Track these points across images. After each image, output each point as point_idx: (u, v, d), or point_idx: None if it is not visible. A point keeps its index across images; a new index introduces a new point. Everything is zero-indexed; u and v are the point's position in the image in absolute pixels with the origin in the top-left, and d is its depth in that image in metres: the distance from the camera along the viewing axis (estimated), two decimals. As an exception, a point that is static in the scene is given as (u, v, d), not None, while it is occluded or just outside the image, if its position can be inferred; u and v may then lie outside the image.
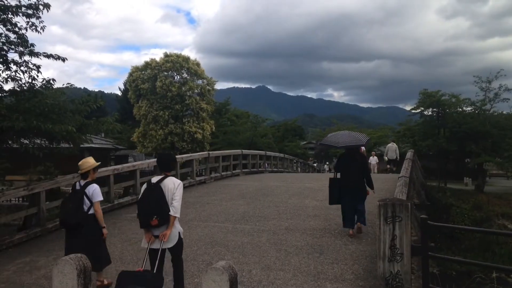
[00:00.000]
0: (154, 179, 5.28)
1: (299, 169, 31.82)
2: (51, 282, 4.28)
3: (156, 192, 5.12)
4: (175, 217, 5.10)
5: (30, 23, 9.99)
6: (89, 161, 6.13)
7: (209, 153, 18.42)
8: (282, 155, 28.73)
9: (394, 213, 5.17)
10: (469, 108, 32.66)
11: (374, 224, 8.30)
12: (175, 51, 41.04)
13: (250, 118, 47.60)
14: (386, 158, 24.53)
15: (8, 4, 9.62)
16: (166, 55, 37.17)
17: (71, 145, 10.73)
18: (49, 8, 10.02)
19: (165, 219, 5.04)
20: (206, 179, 16.71)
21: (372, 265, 6.16)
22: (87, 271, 4.27)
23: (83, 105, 10.61)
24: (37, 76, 10.27)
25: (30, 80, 10.24)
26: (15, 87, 10.27)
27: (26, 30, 10.04)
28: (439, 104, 31.95)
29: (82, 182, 5.99)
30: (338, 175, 8.35)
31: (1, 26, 9.76)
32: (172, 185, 5.18)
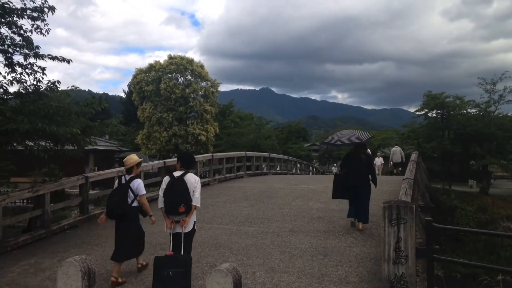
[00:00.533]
0: (177, 173, 6.03)
1: (302, 171, 31.77)
2: (55, 284, 4.30)
3: (181, 184, 5.88)
4: (196, 206, 5.92)
5: (35, 25, 10.03)
6: (133, 158, 6.69)
7: (213, 155, 18.42)
8: (286, 157, 28.71)
9: (399, 215, 5.16)
10: (473, 110, 32.50)
11: (378, 226, 8.29)
12: (180, 53, 41.03)
13: (254, 120, 47.60)
14: (391, 162, 24.84)
15: (14, 7, 9.67)
16: (170, 57, 37.25)
17: (76, 147, 10.77)
18: (54, 11, 10.06)
19: (189, 208, 5.84)
20: (210, 181, 16.71)
21: (377, 267, 6.14)
22: (91, 272, 4.28)
23: (88, 107, 10.65)
24: (42, 78, 10.31)
25: (35, 82, 10.28)
26: (20, 89, 10.31)
27: (31, 32, 10.09)
28: (443, 106, 31.80)
29: (127, 177, 6.53)
30: (341, 172, 8.85)
31: (7, 29, 9.81)
32: (193, 180, 6.00)
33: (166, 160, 14.81)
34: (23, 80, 10.22)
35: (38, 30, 10.11)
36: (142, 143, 36.70)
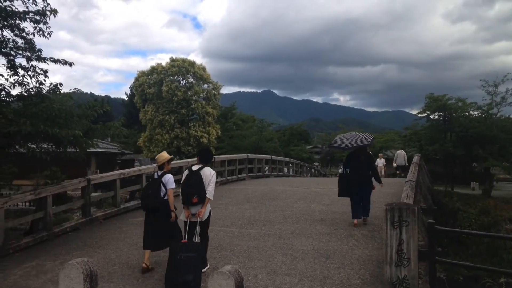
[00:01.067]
0: (195, 167, 6.59)
1: (304, 173, 31.76)
2: (57, 286, 4.30)
3: (197, 177, 6.45)
4: (210, 199, 6.45)
5: (37, 28, 10.06)
6: (164, 155, 7.10)
7: (214, 158, 18.42)
8: (288, 159, 28.70)
9: (401, 217, 5.15)
10: (475, 112, 32.47)
11: (381, 228, 8.28)
12: (182, 56, 41.18)
13: (256, 123, 47.61)
14: (395, 164, 25.04)
15: (16, 10, 9.70)
16: (172, 60, 37.32)
17: (78, 150, 10.78)
18: (56, 14, 10.09)
19: (202, 199, 6.37)
20: (212, 183, 16.70)
21: (379, 270, 6.13)
22: (93, 275, 4.28)
23: (90, 110, 10.66)
24: (45, 81, 10.34)
25: (37, 85, 10.30)
26: (23, 92, 10.34)
27: (34, 35, 10.12)
28: (445, 108, 31.77)
29: (160, 173, 6.97)
30: (347, 171, 9.28)
31: (9, 31, 9.84)
32: (209, 173, 6.55)
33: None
34: (25, 83, 10.24)
35: (41, 32, 10.14)
36: (144, 145, 36.75)
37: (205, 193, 6.41)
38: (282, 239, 8.06)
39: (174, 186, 6.92)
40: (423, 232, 7.20)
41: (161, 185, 6.82)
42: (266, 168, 23.85)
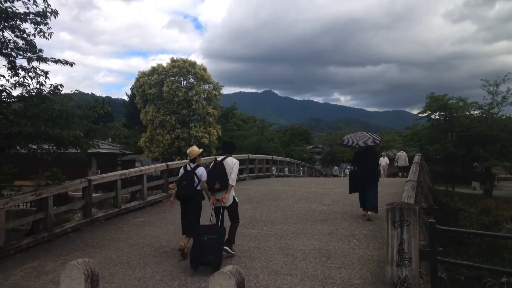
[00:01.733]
0: (219, 158, 7.42)
1: (305, 173, 31.75)
2: (58, 287, 4.29)
3: (220, 167, 7.19)
4: (232, 185, 7.10)
5: (38, 29, 10.07)
6: (195, 149, 7.75)
7: (215, 158, 18.42)
8: (288, 159, 28.69)
9: (402, 217, 5.14)
10: (476, 112, 32.47)
11: (382, 228, 8.27)
12: (183, 57, 41.16)
13: (257, 123, 47.64)
14: (396, 165, 25.33)
15: (17, 11, 9.71)
16: (172, 60, 37.32)
17: (78, 150, 10.78)
18: (57, 15, 10.10)
19: (225, 186, 7.04)
20: (212, 183, 16.68)
21: (380, 269, 6.12)
22: (94, 275, 4.27)
23: (91, 111, 10.67)
24: (45, 82, 10.35)
25: (38, 86, 10.31)
26: (23, 93, 10.35)
27: (35, 36, 10.13)
28: (446, 108, 31.77)
29: (192, 165, 7.57)
30: (355, 169, 10.07)
31: (10, 32, 9.85)
32: (231, 162, 7.25)
33: (169, 163, 14.80)
34: (26, 84, 10.26)
35: (41, 33, 10.15)
36: (145, 146, 36.75)
37: (228, 180, 7.07)
38: (283, 239, 8.06)
39: (205, 178, 7.34)
40: (424, 232, 7.19)
41: (195, 177, 7.39)
42: (274, 168, 24.01)
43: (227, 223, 7.23)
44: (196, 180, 7.39)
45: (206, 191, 7.39)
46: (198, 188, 7.38)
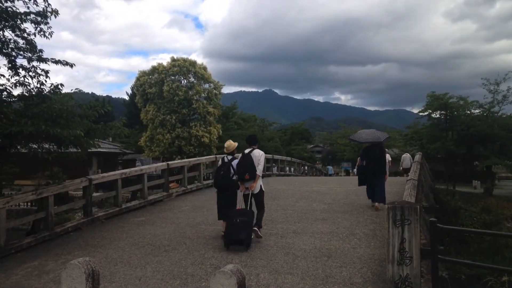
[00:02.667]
0: (247, 151, 8.13)
1: (306, 172, 31.74)
2: (59, 286, 4.30)
3: (248, 158, 7.97)
4: (259, 175, 7.94)
5: (38, 29, 10.07)
6: (232, 143, 8.61)
7: (216, 157, 18.40)
8: (289, 158, 28.67)
9: (403, 216, 5.13)
10: (477, 111, 32.47)
11: (382, 227, 8.27)
12: (183, 56, 41.04)
13: (257, 122, 47.64)
14: (401, 168, 25.30)
15: (17, 11, 9.71)
16: (173, 60, 37.28)
17: (79, 150, 10.78)
18: (57, 15, 10.09)
19: (253, 176, 7.87)
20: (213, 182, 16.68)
21: (381, 268, 6.12)
22: (95, 274, 4.27)
23: (91, 110, 10.67)
24: (46, 81, 10.35)
25: (38, 85, 10.31)
26: (24, 92, 10.35)
27: (35, 35, 10.12)
28: (446, 107, 31.76)
29: (229, 157, 8.40)
30: (363, 163, 10.88)
31: (10, 32, 9.85)
32: (258, 154, 8.04)
33: (169, 162, 14.81)
34: (26, 83, 10.26)
35: (42, 33, 10.14)
36: (145, 145, 36.72)
37: (255, 170, 7.89)
38: (283, 238, 8.06)
39: None
40: (425, 231, 7.19)
41: (231, 168, 8.17)
42: (275, 167, 23.95)
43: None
44: (232, 171, 8.18)
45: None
46: (234, 178, 8.15)
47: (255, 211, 7.97)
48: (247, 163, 7.93)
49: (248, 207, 7.91)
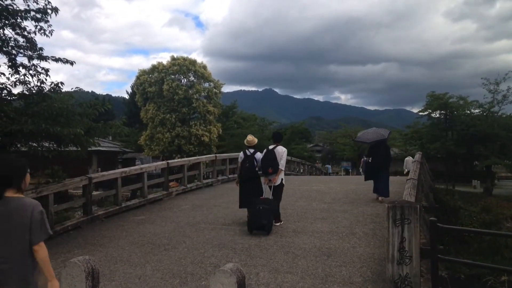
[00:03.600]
0: (271, 146, 9.08)
1: (306, 172, 31.72)
2: (59, 285, 4.29)
3: (271, 154, 8.91)
4: (281, 169, 8.92)
5: (38, 27, 10.05)
6: (254, 138, 9.51)
7: (216, 156, 18.42)
8: (289, 157, 28.65)
9: (403, 215, 5.13)
10: (477, 111, 32.47)
11: (382, 226, 8.27)
12: (184, 55, 41.00)
13: (257, 121, 47.63)
14: (405, 171, 25.19)
15: (17, 9, 9.69)
16: (173, 58, 37.28)
17: (79, 148, 10.77)
18: (58, 12, 10.07)
19: (275, 170, 8.87)
20: (213, 181, 16.71)
21: (381, 268, 6.12)
22: (95, 273, 4.27)
23: (91, 109, 10.65)
24: (46, 79, 10.33)
25: (38, 84, 10.29)
26: (24, 91, 10.33)
27: (35, 34, 10.09)
28: (447, 107, 31.76)
29: (251, 150, 9.26)
30: (369, 159, 11.85)
31: (10, 30, 9.83)
32: (281, 150, 8.99)
33: (169, 161, 14.82)
34: (26, 82, 10.23)
35: (42, 31, 10.12)
36: (145, 144, 36.74)
37: (278, 165, 8.83)
38: (283, 237, 8.06)
39: None
40: (424, 230, 7.19)
41: (254, 161, 9.09)
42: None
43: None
44: (255, 163, 9.10)
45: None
46: (257, 169, 9.11)
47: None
48: (271, 158, 8.86)
49: (270, 196, 8.90)
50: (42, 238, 3.30)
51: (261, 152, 9.22)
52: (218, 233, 8.53)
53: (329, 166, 51.77)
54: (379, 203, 10.91)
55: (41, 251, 3.35)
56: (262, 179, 9.23)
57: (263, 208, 8.34)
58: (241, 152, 9.52)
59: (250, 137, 9.53)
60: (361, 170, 28.96)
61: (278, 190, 9.10)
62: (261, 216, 8.28)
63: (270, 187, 8.99)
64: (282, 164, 8.87)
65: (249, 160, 9.16)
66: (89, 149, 11.33)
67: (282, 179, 9.06)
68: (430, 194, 15.32)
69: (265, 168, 8.91)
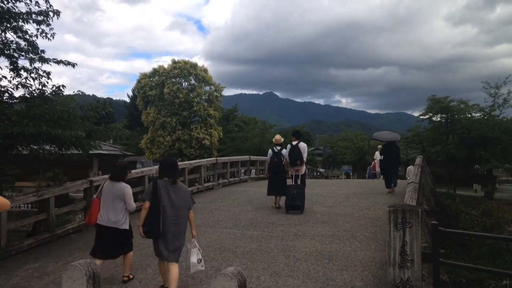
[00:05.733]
0: (294, 143, 11.06)
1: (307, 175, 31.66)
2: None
3: (296, 148, 10.95)
4: (304, 161, 11.11)
5: (40, 30, 10.08)
6: (281, 138, 11.58)
7: (217, 159, 18.41)
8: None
9: (404, 219, 5.13)
10: (478, 114, 32.41)
11: (383, 230, 8.26)
12: (185, 58, 41.12)
13: (258, 124, 47.59)
14: (408, 179, 24.92)
15: (19, 11, 9.72)
16: (174, 62, 37.34)
17: (80, 151, 10.77)
18: (59, 15, 10.10)
19: (302, 162, 11.01)
20: (214, 185, 16.69)
21: (382, 271, 6.11)
22: (96, 276, 4.27)
23: (92, 111, 10.67)
24: (47, 82, 10.35)
25: (40, 87, 10.31)
26: (26, 94, 10.35)
27: (37, 37, 10.13)
28: (447, 110, 31.74)
29: (278, 148, 11.23)
30: (382, 158, 14.04)
31: (12, 34, 9.86)
32: (303, 146, 11.10)
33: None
34: (28, 85, 10.26)
35: (43, 34, 10.15)
36: (146, 147, 36.77)
37: (303, 158, 10.94)
38: (284, 241, 8.05)
39: (287, 156, 11.05)
40: (426, 234, 7.18)
41: (281, 156, 11.10)
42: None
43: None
44: (282, 158, 11.07)
45: (287, 165, 11.11)
46: (283, 163, 11.08)
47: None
48: (297, 153, 10.85)
49: (299, 183, 10.95)
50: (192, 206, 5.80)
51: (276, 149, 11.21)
52: (219, 237, 8.52)
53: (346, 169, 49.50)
54: (380, 206, 10.89)
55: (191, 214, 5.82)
56: (289, 170, 11.16)
57: (297, 192, 10.52)
58: (270, 150, 11.53)
59: (277, 137, 11.63)
60: (367, 176, 29.04)
61: (303, 178, 11.27)
62: (296, 199, 10.42)
63: (297, 176, 10.94)
64: (304, 157, 10.97)
65: (277, 156, 11.16)
66: (90, 152, 11.33)
67: (305, 170, 11.56)
68: (431, 197, 15.29)
69: (293, 160, 10.90)
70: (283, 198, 11.11)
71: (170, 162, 5.98)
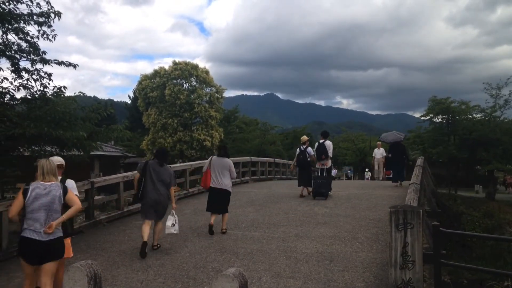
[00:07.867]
0: (321, 141, 12.84)
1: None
2: None
3: (323, 146, 12.73)
4: (330, 157, 12.91)
5: (41, 31, 10.09)
6: (306, 137, 13.69)
7: (318, 141, 18.38)
8: (291, 162, 28.62)
9: (406, 220, 5.12)
10: (479, 115, 32.41)
11: (384, 231, 8.26)
12: (188, 60, 40.97)
13: (259, 126, 47.63)
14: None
15: (20, 13, 9.74)
16: (175, 63, 37.36)
17: (81, 153, 10.78)
18: (60, 17, 10.12)
19: (327, 157, 12.77)
20: (215, 186, 16.65)
21: (383, 272, 6.10)
22: (97, 277, 4.26)
23: (94, 113, 10.68)
24: (49, 84, 10.36)
25: (41, 88, 10.32)
26: (27, 95, 10.37)
27: (38, 38, 10.15)
28: (448, 111, 31.74)
29: (304, 146, 13.15)
30: (389, 155, 16.07)
31: (13, 35, 9.88)
32: (329, 144, 12.84)
33: (171, 166, 14.80)
34: (29, 86, 10.27)
35: (45, 36, 10.17)
36: (147, 148, 36.77)
37: (328, 154, 12.69)
38: (285, 242, 8.05)
39: (313, 153, 12.96)
40: (427, 235, 7.17)
41: (306, 153, 12.93)
42: (277, 171, 23.74)
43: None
44: (307, 155, 12.92)
45: (313, 160, 13.01)
46: (309, 159, 12.94)
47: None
48: (323, 149, 12.70)
49: (325, 175, 12.89)
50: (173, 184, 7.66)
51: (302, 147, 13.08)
52: (220, 238, 8.52)
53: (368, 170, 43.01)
54: (381, 207, 10.89)
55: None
56: (316, 164, 13.04)
57: (322, 182, 12.66)
58: (298, 148, 13.44)
59: (304, 137, 13.73)
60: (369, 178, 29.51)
61: (329, 170, 13.18)
62: (321, 187, 12.54)
63: (322, 169, 12.83)
64: (330, 153, 12.83)
65: (302, 153, 13.01)
66: (91, 153, 11.34)
67: (331, 164, 13.43)
68: (433, 198, 15.30)
69: (320, 155, 12.78)
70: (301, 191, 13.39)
71: (162, 151, 8.34)
